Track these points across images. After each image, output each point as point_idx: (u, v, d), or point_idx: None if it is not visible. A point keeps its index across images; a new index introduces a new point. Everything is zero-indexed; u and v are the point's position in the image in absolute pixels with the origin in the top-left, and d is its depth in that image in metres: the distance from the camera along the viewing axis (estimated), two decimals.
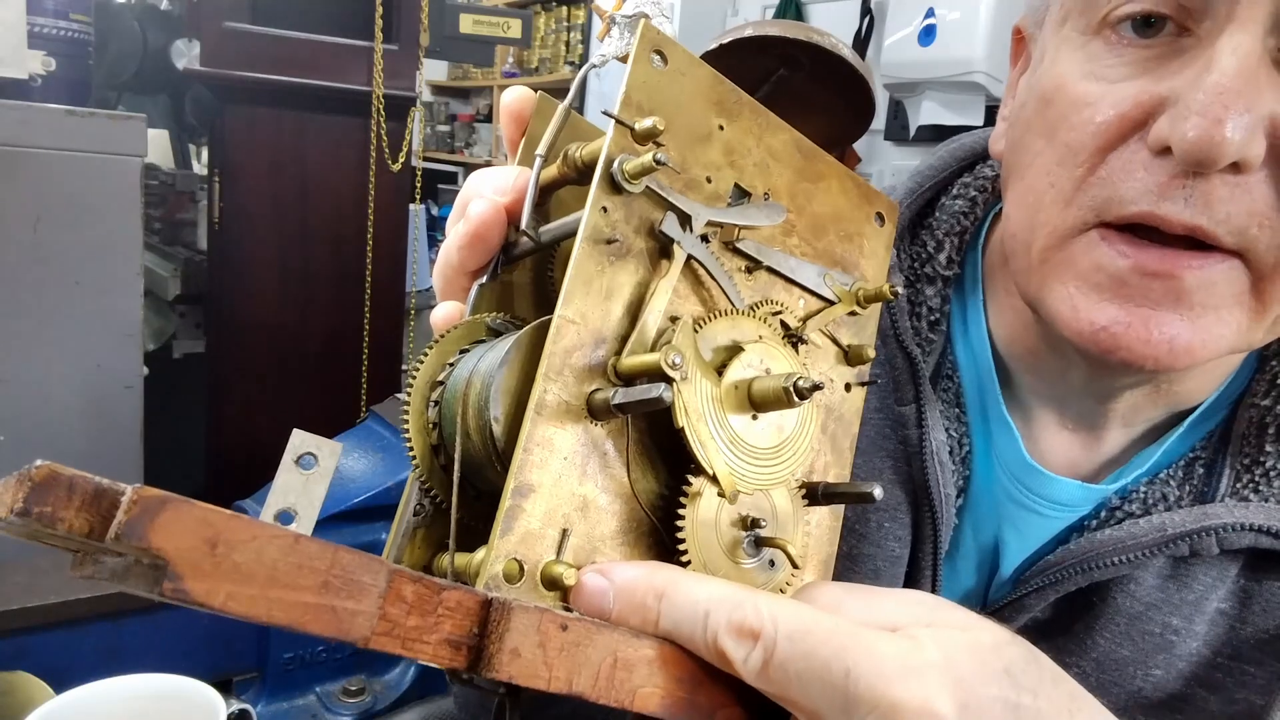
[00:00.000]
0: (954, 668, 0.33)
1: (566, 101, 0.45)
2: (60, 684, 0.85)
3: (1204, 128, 0.44)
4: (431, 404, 0.41)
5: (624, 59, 0.42)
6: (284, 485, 0.33)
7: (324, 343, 2.68)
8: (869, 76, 0.49)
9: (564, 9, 5.28)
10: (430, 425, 0.41)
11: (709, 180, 0.41)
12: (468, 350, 0.42)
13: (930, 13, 2.59)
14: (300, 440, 0.34)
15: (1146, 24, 0.48)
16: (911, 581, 0.64)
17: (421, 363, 0.42)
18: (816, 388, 0.37)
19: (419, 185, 2.75)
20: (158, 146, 3.02)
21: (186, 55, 2.45)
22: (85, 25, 2.69)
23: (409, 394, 0.41)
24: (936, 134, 2.71)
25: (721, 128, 0.42)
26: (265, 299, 2.60)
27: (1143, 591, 0.59)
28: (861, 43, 3.00)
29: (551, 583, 0.34)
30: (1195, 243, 0.47)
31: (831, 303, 0.46)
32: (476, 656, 0.31)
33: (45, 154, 1.93)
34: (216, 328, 2.62)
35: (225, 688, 0.86)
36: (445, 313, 0.45)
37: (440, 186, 5.39)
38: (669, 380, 0.35)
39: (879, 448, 0.65)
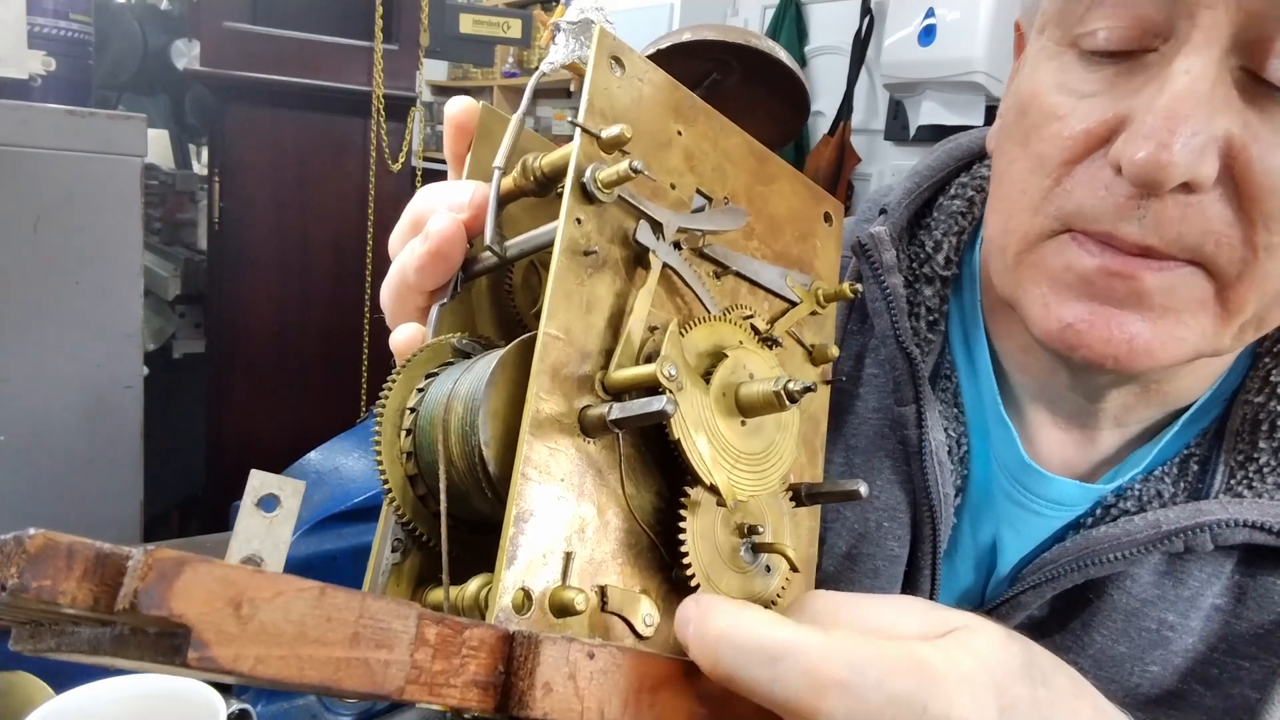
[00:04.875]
0: (990, 672, 0.33)
1: (521, 110, 0.44)
2: (60, 684, 0.85)
3: (1150, 151, 0.44)
4: (404, 432, 0.39)
5: (571, 66, 0.42)
6: (247, 530, 0.30)
7: (324, 343, 2.68)
8: (803, 77, 0.50)
9: (564, 9, 5.28)
10: (404, 455, 0.39)
11: (673, 186, 0.41)
12: (436, 374, 0.40)
13: (930, 13, 2.59)
14: (260, 481, 0.31)
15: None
16: (910, 581, 0.65)
17: (389, 389, 0.40)
18: (808, 390, 0.37)
19: (419, 185, 2.75)
20: (158, 146, 3.02)
21: (186, 55, 2.45)
22: (85, 25, 2.69)
23: (379, 423, 0.39)
24: (936, 134, 2.71)
25: (680, 133, 0.42)
26: (265, 299, 2.60)
27: (1139, 588, 0.59)
28: (861, 43, 2.99)
29: (562, 609, 0.33)
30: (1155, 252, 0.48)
31: (794, 303, 0.46)
32: (505, 696, 0.29)
33: (45, 154, 1.93)
34: (216, 328, 2.63)
35: (225, 688, 0.86)
36: (406, 335, 0.44)
37: None
38: (663, 392, 0.35)
39: (878, 448, 0.65)
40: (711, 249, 0.42)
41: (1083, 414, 0.61)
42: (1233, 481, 0.58)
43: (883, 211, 0.67)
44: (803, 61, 3.20)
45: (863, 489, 0.42)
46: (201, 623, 0.22)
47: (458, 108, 0.47)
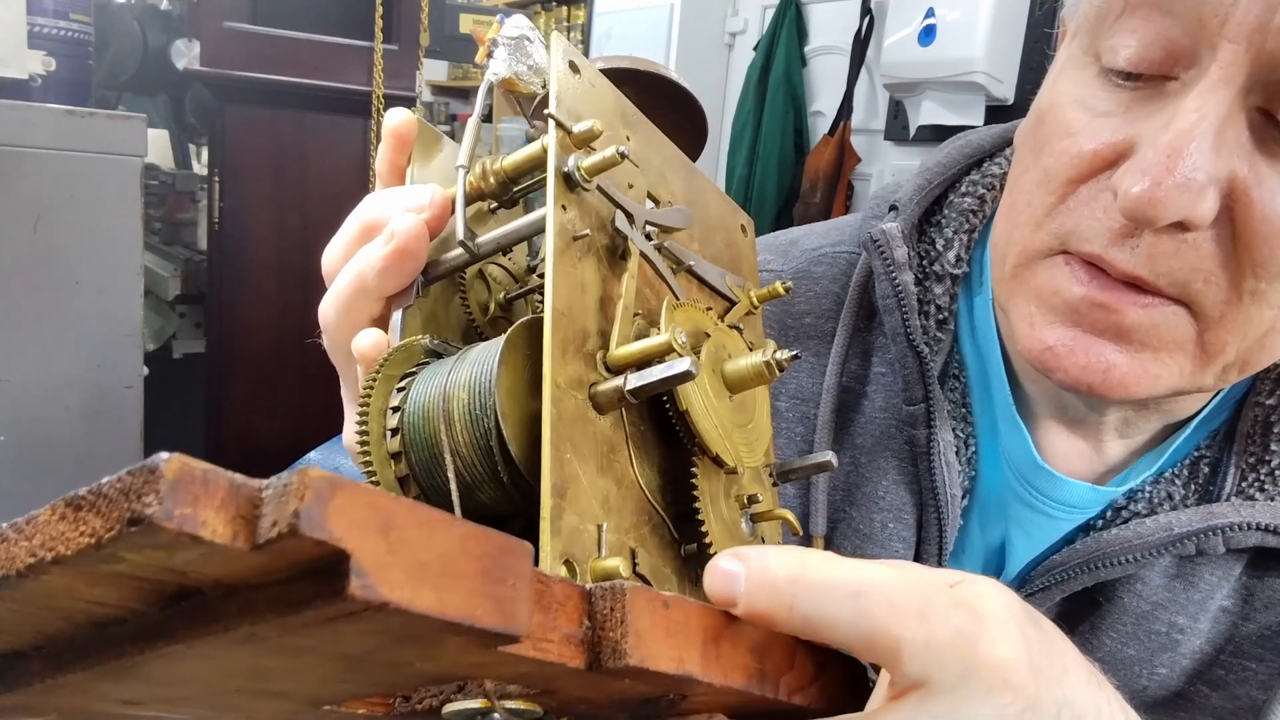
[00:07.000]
0: (1012, 611, 0.34)
1: (477, 113, 0.45)
2: None
3: (1145, 188, 0.44)
4: (389, 433, 0.39)
5: (507, 82, 0.44)
6: None
7: None
8: (697, 96, 0.52)
9: (564, 9, 5.28)
10: (390, 456, 0.39)
11: (630, 186, 0.43)
12: (414, 374, 0.40)
13: (930, 13, 2.58)
14: None
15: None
16: None
17: (370, 391, 0.39)
18: (796, 358, 0.40)
19: None
20: (158, 146, 3.02)
21: (186, 55, 2.45)
22: (85, 25, 2.68)
23: (363, 426, 0.39)
24: (936, 134, 2.70)
25: (628, 138, 0.44)
26: (265, 299, 2.60)
27: (1149, 591, 0.59)
28: (861, 43, 2.99)
29: (605, 579, 0.33)
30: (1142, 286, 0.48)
31: (733, 302, 0.48)
32: (596, 650, 0.28)
33: (45, 154, 1.93)
34: (216, 328, 2.62)
35: None
36: (373, 339, 0.43)
37: None
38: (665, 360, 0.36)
39: (884, 448, 0.64)
40: (666, 246, 0.44)
41: (1087, 421, 0.61)
42: (1244, 484, 0.58)
43: (893, 208, 0.66)
44: (803, 61, 3.19)
45: (832, 459, 0.45)
46: (360, 549, 0.20)
47: (399, 120, 0.47)
